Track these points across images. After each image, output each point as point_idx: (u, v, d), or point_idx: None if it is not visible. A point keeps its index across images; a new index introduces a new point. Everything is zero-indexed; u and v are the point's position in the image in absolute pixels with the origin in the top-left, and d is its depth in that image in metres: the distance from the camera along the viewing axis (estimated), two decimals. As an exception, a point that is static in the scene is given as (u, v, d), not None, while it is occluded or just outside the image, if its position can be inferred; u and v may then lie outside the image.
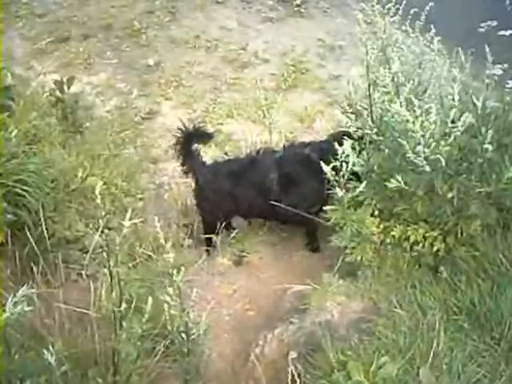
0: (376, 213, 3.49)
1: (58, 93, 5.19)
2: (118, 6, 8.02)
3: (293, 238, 4.61)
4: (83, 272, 3.90)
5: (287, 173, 4.35)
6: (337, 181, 3.34)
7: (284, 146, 4.54)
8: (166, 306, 2.57)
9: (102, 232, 2.81)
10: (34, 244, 3.77)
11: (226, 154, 5.64)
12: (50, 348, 2.52)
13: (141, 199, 5.07)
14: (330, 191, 3.54)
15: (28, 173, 4.25)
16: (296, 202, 4.21)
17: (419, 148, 3.09)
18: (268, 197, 4.28)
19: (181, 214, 4.88)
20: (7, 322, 2.33)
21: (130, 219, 2.63)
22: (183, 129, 4.48)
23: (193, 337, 2.59)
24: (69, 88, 5.22)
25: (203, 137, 4.61)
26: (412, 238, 3.38)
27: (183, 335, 2.58)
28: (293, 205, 4.18)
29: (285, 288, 3.83)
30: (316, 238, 4.47)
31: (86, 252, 4.16)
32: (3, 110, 4.76)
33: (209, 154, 5.60)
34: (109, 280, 2.48)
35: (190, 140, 4.49)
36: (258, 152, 4.53)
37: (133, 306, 2.62)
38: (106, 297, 2.57)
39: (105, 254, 2.58)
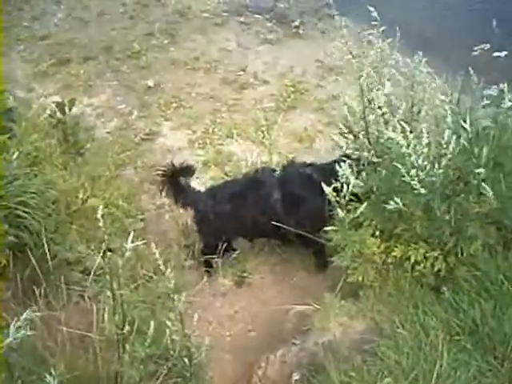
0: (377, 233, 3.50)
1: (59, 114, 5.22)
2: (118, 28, 8.11)
3: (293, 258, 4.61)
4: (85, 294, 3.89)
5: (290, 192, 4.33)
6: (338, 202, 3.35)
7: (284, 166, 4.55)
8: (167, 330, 2.56)
9: (104, 254, 2.81)
10: (36, 266, 3.77)
11: (226, 174, 5.67)
12: (52, 371, 2.51)
13: (142, 220, 5.07)
14: (330, 211, 3.56)
15: (29, 194, 4.26)
16: (299, 222, 4.24)
17: (413, 171, 3.12)
18: (272, 217, 4.26)
19: (181, 234, 4.87)
20: (10, 346, 2.32)
21: (132, 241, 2.64)
22: (165, 169, 4.52)
23: (195, 361, 2.58)
24: (70, 110, 5.26)
25: (186, 171, 4.60)
26: (413, 258, 3.38)
27: (185, 360, 2.56)
28: (296, 224, 4.21)
29: (286, 309, 3.83)
30: (324, 255, 4.36)
31: (88, 273, 4.16)
32: (5, 132, 4.80)
33: (209, 174, 5.65)
34: (111, 303, 2.48)
35: (175, 177, 4.51)
36: (257, 172, 4.54)
37: (135, 328, 2.62)
38: (109, 319, 2.56)
39: (107, 276, 2.58)
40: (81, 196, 4.74)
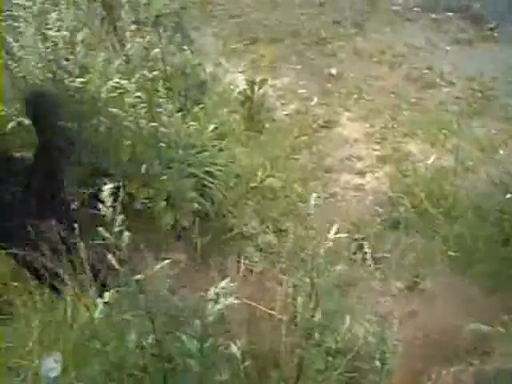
0: None
1: (248, 92, 5.36)
2: (307, 13, 8.13)
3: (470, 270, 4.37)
4: (254, 269, 3.97)
5: None
6: None
7: None
8: (361, 330, 2.52)
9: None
10: (216, 234, 3.93)
11: (401, 172, 5.50)
12: (238, 342, 2.58)
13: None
14: None
15: (216, 166, 4.44)
16: None
17: None
18: None
19: (352, 226, 4.81)
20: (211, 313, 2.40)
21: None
22: None
23: (387, 367, 2.51)
24: (259, 89, 5.38)
25: None
26: None
27: (378, 363, 2.50)
28: None
29: (460, 323, 3.64)
30: None
31: (259, 249, 4.29)
32: (198, 104, 5.03)
33: (384, 170, 5.53)
34: (309, 288, 2.49)
35: None
36: None
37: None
38: (303, 304, 2.56)
39: (304, 258, 2.59)
40: (260, 174, 4.86)
